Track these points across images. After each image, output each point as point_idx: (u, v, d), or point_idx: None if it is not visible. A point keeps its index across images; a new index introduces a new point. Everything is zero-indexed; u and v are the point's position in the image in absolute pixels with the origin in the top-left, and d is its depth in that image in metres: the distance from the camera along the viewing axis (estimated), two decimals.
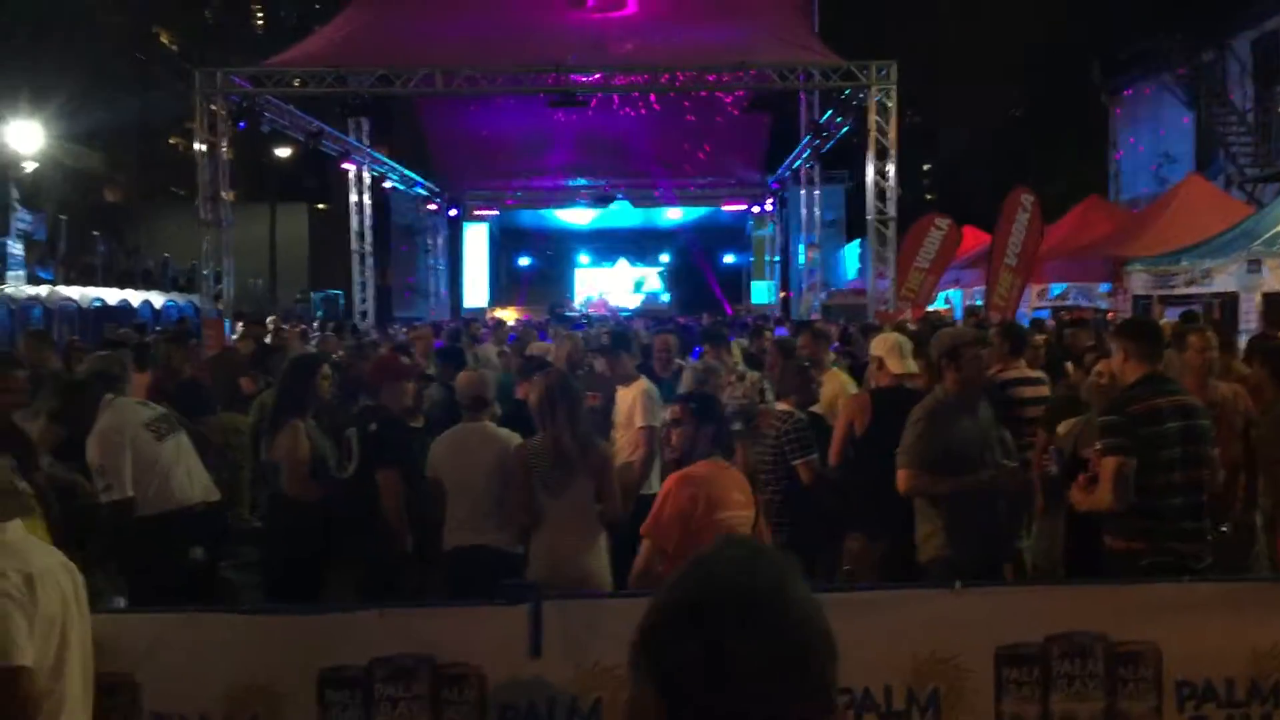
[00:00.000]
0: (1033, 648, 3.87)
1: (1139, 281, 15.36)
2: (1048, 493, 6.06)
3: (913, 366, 6.08)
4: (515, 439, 5.48)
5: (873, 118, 16.68)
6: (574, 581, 4.86)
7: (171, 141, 35.75)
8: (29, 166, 22.24)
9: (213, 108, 16.03)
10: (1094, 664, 3.87)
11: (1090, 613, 3.93)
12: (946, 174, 38.26)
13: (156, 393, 7.64)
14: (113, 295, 21.48)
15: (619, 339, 7.68)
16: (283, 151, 29.74)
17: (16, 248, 22.01)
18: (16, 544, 3.02)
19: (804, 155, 23.05)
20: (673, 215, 34.52)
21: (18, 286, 19.61)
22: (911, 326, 10.75)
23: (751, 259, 34.25)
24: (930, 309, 17.40)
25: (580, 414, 5.27)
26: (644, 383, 6.80)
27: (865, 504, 5.89)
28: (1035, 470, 6.20)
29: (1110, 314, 15.29)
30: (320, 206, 38.71)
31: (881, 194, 16.95)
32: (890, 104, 16.61)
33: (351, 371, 8.43)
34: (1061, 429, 5.95)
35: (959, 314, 18.33)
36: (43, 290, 19.63)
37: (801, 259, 26.54)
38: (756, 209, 32.29)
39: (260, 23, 33.44)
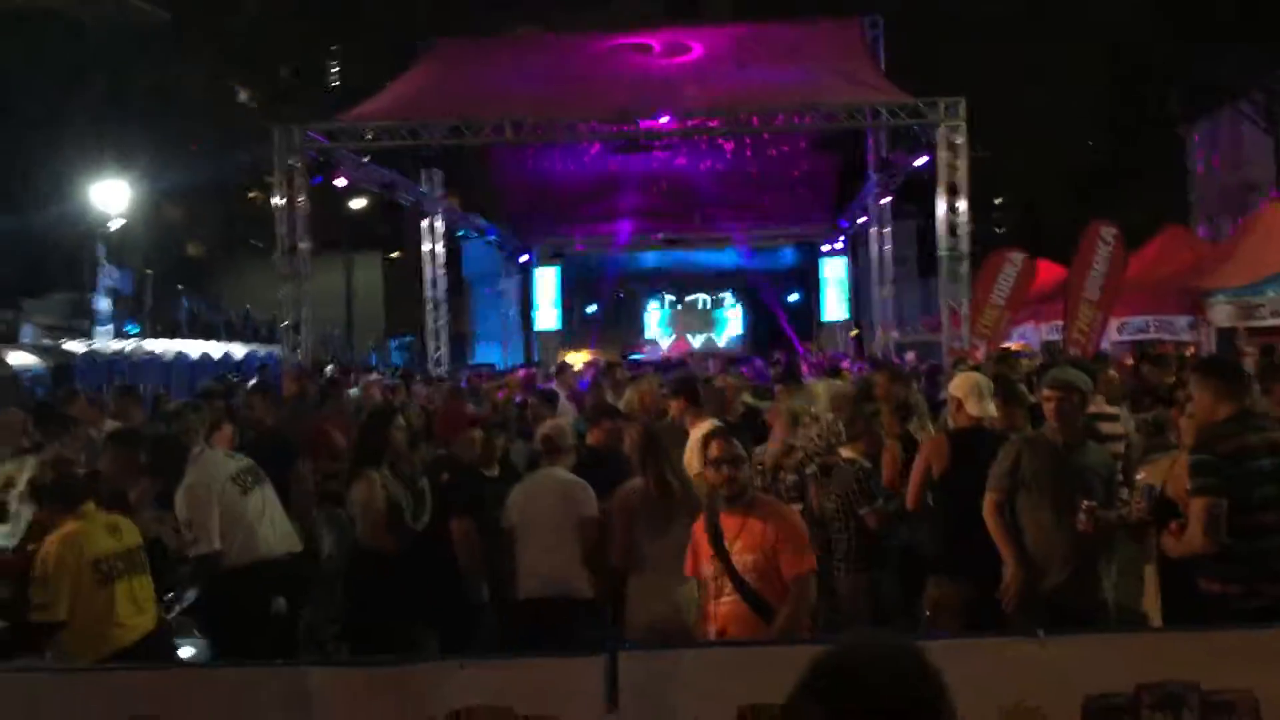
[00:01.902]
0: (1123, 697, 3.74)
1: (1222, 313, 14.97)
2: (1134, 536, 5.91)
3: (991, 409, 5.99)
4: (588, 487, 5.51)
5: (942, 154, 16.57)
6: (668, 624, 4.88)
7: (250, 195, 36.70)
8: (116, 224, 22.99)
9: (290, 163, 16.43)
10: (1188, 714, 3.74)
11: (1183, 660, 3.80)
12: (1019, 208, 37.81)
13: (240, 443, 7.81)
14: (196, 348, 22.02)
15: (689, 383, 7.68)
16: (357, 203, 30.37)
17: (104, 303, 22.74)
18: None
19: (873, 193, 22.96)
20: (741, 256, 34.52)
21: (105, 341, 20.20)
22: (987, 365, 10.57)
23: (822, 298, 34.07)
24: (1006, 346, 17.15)
25: (679, 458, 5.33)
26: (712, 424, 6.79)
27: (945, 548, 5.80)
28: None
29: (1190, 349, 14.90)
30: (394, 255, 39.40)
31: (953, 230, 16.79)
32: (960, 140, 16.49)
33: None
34: (1149, 469, 5.81)
35: (1036, 349, 18.03)
36: (129, 344, 20.19)
37: (873, 297, 26.37)
38: (826, 247, 32.16)
39: (335, 80, 34.29)
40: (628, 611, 5.07)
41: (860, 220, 26.15)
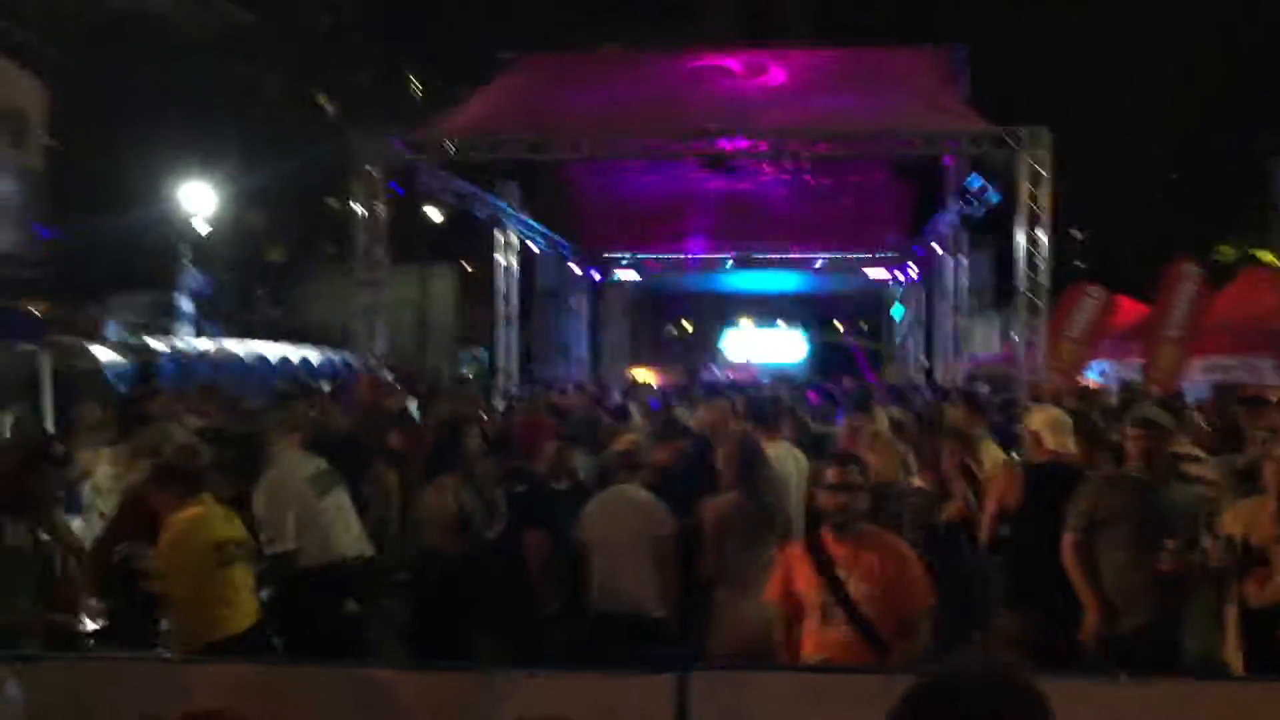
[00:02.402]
0: None
1: None
2: (1215, 583, 5.76)
3: (1070, 444, 5.90)
4: (664, 506, 5.52)
5: (1024, 184, 16.33)
6: (752, 643, 4.88)
7: (329, 201, 37.32)
8: (201, 227, 23.54)
9: (370, 171, 16.67)
10: None
11: (1266, 711, 3.71)
12: (1099, 241, 37.18)
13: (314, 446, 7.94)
14: (273, 350, 22.41)
15: (764, 405, 7.67)
16: (432, 213, 30.72)
17: (187, 304, 23.26)
18: None
19: (950, 221, 22.71)
20: (812, 280, 34.35)
21: (187, 341, 20.65)
22: (1067, 400, 10.39)
23: (894, 325, 33.78)
24: (1083, 382, 16.85)
25: (769, 475, 5.36)
26: (785, 445, 6.80)
27: (1016, 581, 5.72)
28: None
29: (1277, 394, 14.47)
30: (468, 267, 39.77)
31: (1032, 262, 16.54)
32: (1043, 171, 16.26)
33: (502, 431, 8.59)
34: (1234, 513, 5.66)
35: (1113, 387, 17.69)
36: (209, 345, 20.61)
37: (946, 327, 26.05)
38: (899, 275, 31.89)
39: (416, 89, 34.77)
40: (713, 626, 5.09)
41: (935, 248, 25.86)
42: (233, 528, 5.21)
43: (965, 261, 24.12)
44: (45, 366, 11.91)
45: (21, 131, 8.02)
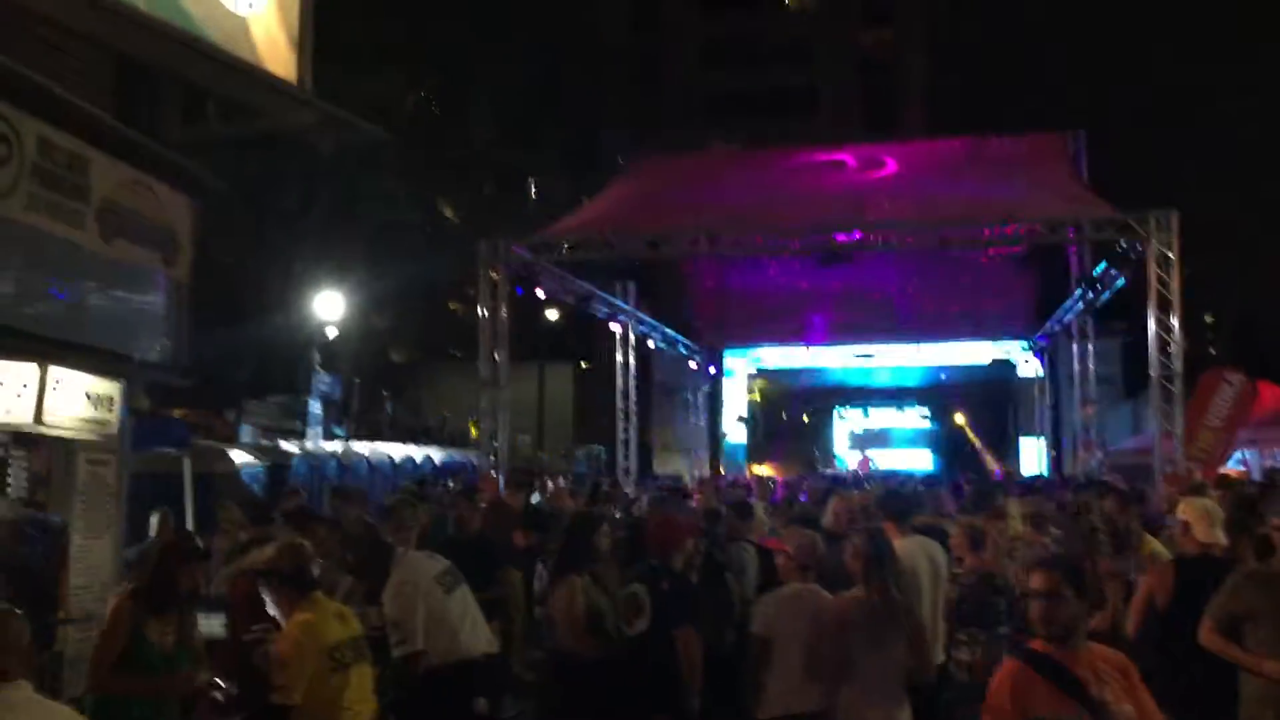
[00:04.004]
0: None
1: None
2: None
3: (1221, 536, 5.65)
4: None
5: (1153, 270, 15.89)
6: None
7: (451, 306, 38.32)
8: (331, 333, 24.40)
9: (493, 275, 17.09)
10: None
11: None
12: (1233, 325, 35.87)
13: (444, 545, 8.04)
14: (398, 451, 22.92)
15: (896, 499, 7.52)
16: (550, 313, 31.34)
17: (316, 407, 24.02)
18: None
19: (1075, 308, 22.20)
20: (932, 370, 33.84)
21: (316, 443, 21.27)
22: (1212, 492, 9.95)
23: (1018, 416, 32.97)
24: (1223, 471, 16.15)
25: (901, 571, 5.27)
26: (916, 541, 6.65)
27: (1168, 681, 5.44)
28: None
29: None
30: (584, 365, 40.29)
31: (1164, 348, 16.01)
32: (1172, 255, 15.81)
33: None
34: None
35: (1255, 475, 16.91)
36: (338, 446, 21.19)
37: (1073, 415, 25.31)
38: (1023, 363, 31.22)
39: (533, 195, 35.76)
40: None
41: (1059, 335, 25.30)
42: (347, 627, 5.17)
43: (1092, 348, 23.48)
44: (188, 471, 12.45)
45: (172, 247, 8.43)
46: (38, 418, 6.70)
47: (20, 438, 7.20)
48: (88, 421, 7.34)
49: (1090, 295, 20.48)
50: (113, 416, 7.62)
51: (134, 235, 8.19)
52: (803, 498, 11.92)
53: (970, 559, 6.90)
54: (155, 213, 8.48)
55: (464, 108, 30.56)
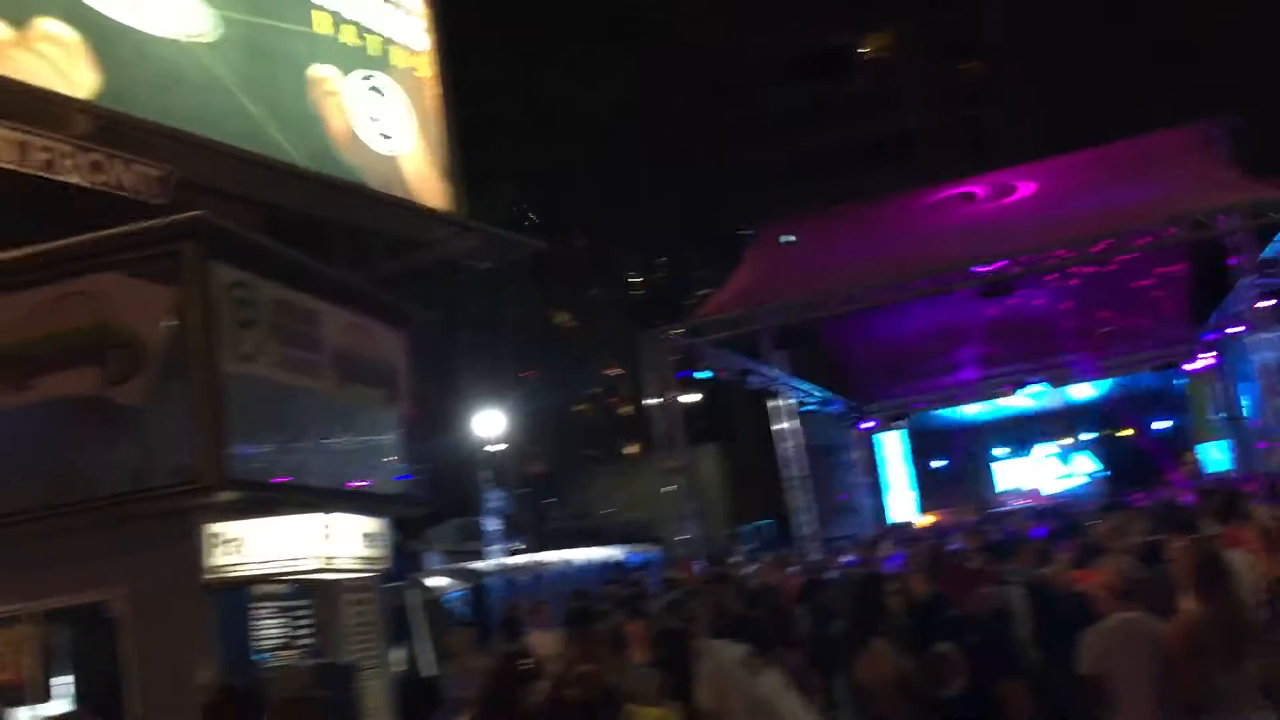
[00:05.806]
0: None
1: None
2: None
3: None
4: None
5: None
6: None
7: (579, 408, 38.67)
8: (496, 449, 24.76)
9: (658, 366, 17.24)
10: None
11: None
12: None
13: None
14: (579, 555, 22.92)
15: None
16: (692, 396, 31.39)
17: (492, 523, 24.29)
18: None
19: (1249, 296, 21.28)
20: (1094, 389, 32.71)
21: (503, 558, 21.45)
22: None
23: (1190, 421, 31.56)
24: None
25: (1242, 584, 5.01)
26: (1239, 552, 6.34)
27: None
28: None
29: None
30: (731, 442, 40.10)
31: None
32: None
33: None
34: None
35: None
36: (522, 559, 21.31)
37: (1246, 412, 24.10)
38: (1188, 365, 29.94)
39: (666, 279, 36.18)
40: None
41: (1231, 330, 24.24)
42: None
43: (1273, 337, 22.42)
44: (416, 602, 12.65)
45: (394, 382, 8.72)
46: (327, 563, 6.89)
47: (300, 586, 7.38)
48: (364, 560, 7.52)
49: (1261, 281, 19.69)
50: (384, 553, 7.81)
51: (364, 377, 8.49)
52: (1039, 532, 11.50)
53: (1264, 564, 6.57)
54: (376, 352, 8.78)
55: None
